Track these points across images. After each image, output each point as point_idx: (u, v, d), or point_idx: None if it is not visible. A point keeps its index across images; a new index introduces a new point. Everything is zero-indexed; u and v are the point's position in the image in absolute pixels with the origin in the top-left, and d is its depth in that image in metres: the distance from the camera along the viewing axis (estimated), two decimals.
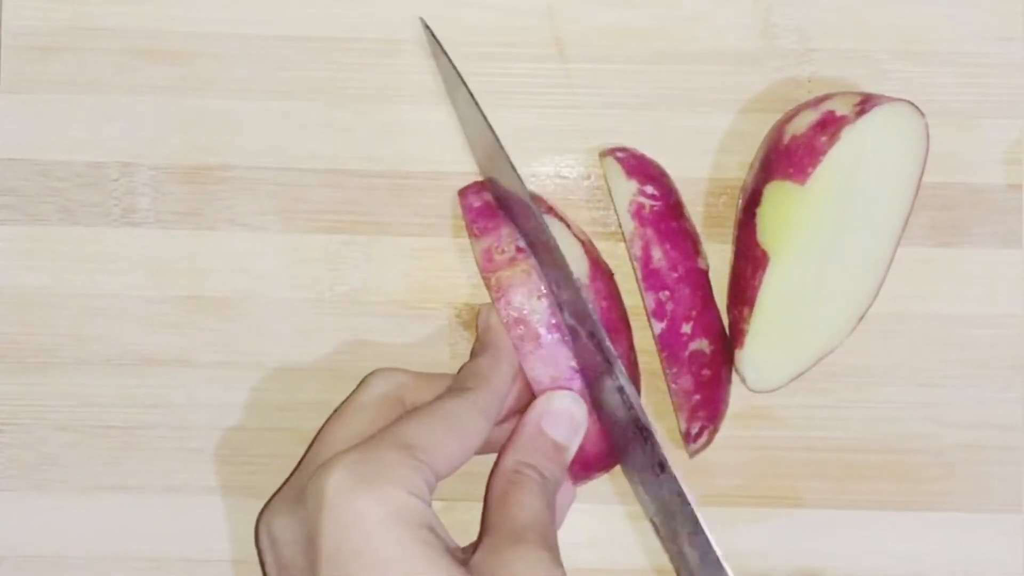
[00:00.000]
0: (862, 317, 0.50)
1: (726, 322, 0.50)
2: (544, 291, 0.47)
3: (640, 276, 0.49)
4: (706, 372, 0.49)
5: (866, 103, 0.48)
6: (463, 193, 0.51)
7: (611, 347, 0.45)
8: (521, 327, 0.47)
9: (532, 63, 0.53)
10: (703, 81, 0.53)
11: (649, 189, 0.49)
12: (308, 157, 0.52)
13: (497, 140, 0.47)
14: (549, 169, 0.53)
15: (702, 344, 0.49)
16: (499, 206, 0.50)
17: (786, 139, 0.49)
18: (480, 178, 0.52)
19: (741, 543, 0.52)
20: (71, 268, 0.52)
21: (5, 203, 0.52)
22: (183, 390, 0.52)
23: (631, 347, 0.50)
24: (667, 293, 0.49)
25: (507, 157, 0.47)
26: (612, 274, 0.50)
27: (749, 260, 0.49)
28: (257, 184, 0.52)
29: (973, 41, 0.53)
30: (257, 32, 0.52)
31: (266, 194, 0.52)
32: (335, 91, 0.52)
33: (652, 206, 0.49)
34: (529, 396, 0.48)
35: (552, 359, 0.47)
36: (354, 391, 0.46)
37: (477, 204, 0.50)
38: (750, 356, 0.49)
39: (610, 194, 0.51)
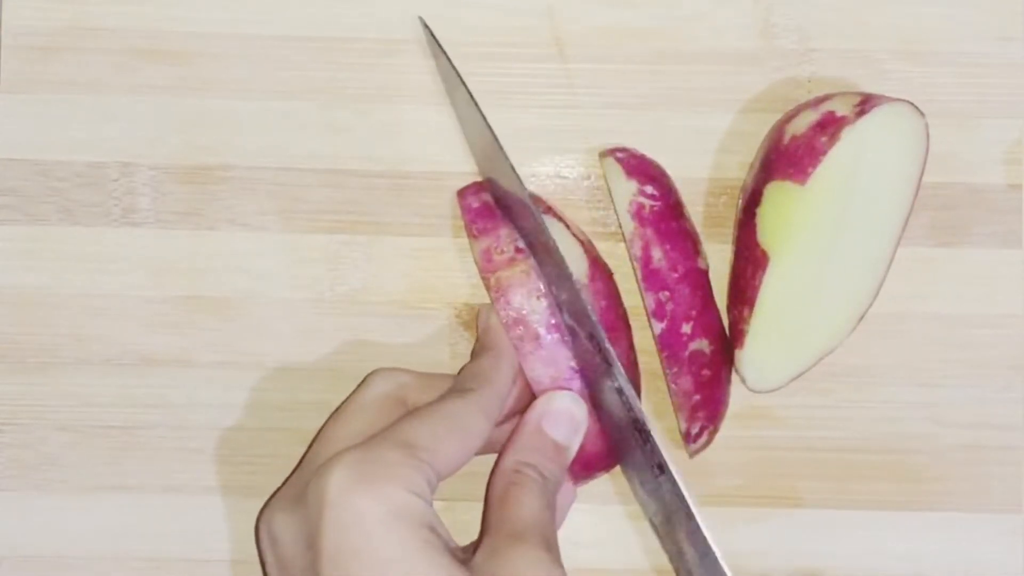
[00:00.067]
0: (862, 317, 0.50)
1: (726, 322, 0.50)
2: (543, 291, 0.47)
3: (640, 276, 0.49)
4: (706, 372, 0.49)
5: (866, 103, 0.48)
6: (462, 193, 0.51)
7: (610, 347, 0.45)
8: (520, 327, 0.47)
9: (532, 63, 0.53)
10: (703, 81, 0.53)
11: (649, 189, 0.49)
12: (308, 157, 0.52)
13: (496, 140, 0.47)
14: (549, 169, 0.53)
15: (702, 344, 0.49)
16: (498, 206, 0.50)
17: (786, 139, 0.49)
18: (479, 178, 0.52)
19: (741, 543, 0.52)
20: (71, 268, 0.52)
21: (5, 203, 0.52)
22: (183, 390, 0.52)
23: (631, 347, 0.50)
24: (667, 293, 0.48)
25: (506, 157, 0.47)
26: (612, 274, 0.50)
27: (749, 260, 0.49)
28: (257, 184, 0.52)
29: (973, 41, 0.53)
30: (257, 32, 0.52)
31: (266, 194, 0.52)
32: (335, 91, 0.52)
33: (652, 206, 0.49)
34: (529, 396, 0.48)
35: (552, 359, 0.47)
36: (355, 390, 0.46)
37: (476, 204, 0.50)
38: (750, 356, 0.49)
39: (610, 194, 0.51)
